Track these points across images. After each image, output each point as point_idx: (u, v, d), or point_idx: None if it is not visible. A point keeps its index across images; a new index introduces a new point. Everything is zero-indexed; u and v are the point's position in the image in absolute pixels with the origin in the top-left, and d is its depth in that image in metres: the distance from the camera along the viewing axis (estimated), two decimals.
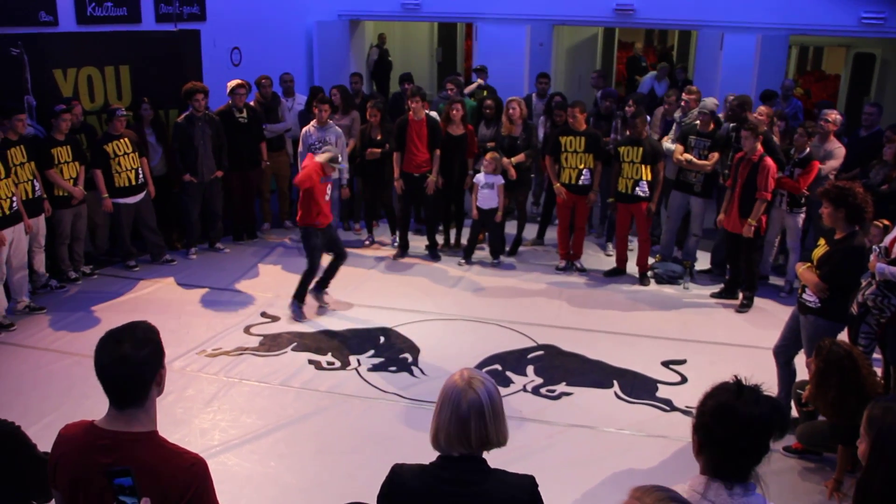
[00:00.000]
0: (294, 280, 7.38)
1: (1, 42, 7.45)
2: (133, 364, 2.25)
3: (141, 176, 8.17)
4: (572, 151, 8.15)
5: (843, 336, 5.24)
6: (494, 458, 2.40)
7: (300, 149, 8.64)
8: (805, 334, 5.25)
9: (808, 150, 7.41)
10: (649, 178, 7.91)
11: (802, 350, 5.36)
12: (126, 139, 8.02)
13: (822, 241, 5.25)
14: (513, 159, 8.55)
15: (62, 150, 7.58)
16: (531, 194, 9.94)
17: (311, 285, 7.35)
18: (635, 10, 11.81)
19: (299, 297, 7.29)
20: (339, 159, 6.98)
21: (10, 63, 7.51)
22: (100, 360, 2.27)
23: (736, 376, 2.27)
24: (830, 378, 4.48)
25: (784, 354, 5.52)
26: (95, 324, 7.06)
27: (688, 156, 8.03)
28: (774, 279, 8.24)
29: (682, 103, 8.77)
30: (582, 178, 8.19)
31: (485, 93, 10.40)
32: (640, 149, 7.86)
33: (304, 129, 8.67)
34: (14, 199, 6.89)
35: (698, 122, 8.13)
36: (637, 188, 7.92)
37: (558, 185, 8.29)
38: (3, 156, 6.83)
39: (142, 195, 8.25)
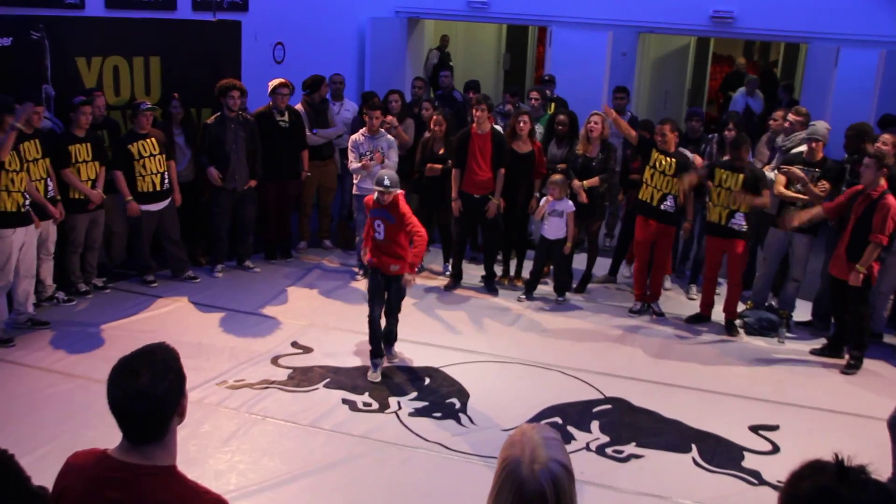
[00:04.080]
0: (331, 306, 7.37)
1: (21, 24, 7.62)
2: (152, 399, 2.25)
3: (166, 181, 8.30)
4: (660, 171, 8.00)
5: None
6: None
7: (350, 159, 8.68)
8: None
9: None
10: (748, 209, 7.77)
11: None
12: (153, 139, 8.14)
13: None
14: (585, 183, 8.46)
15: (81, 147, 7.72)
16: (604, 224, 9.86)
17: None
18: (735, 18, 11.69)
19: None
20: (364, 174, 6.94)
21: (30, 48, 7.67)
22: (113, 393, 2.27)
23: (837, 454, 2.19)
24: None
25: None
26: (104, 344, 7.17)
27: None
28: (889, 337, 8.04)
29: (787, 124, 8.60)
30: (665, 203, 8.08)
31: (553, 106, 10.33)
32: (741, 176, 7.69)
33: (353, 138, 8.73)
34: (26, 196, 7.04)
35: (804, 148, 7.97)
36: (732, 220, 7.78)
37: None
38: (14, 148, 6.90)
39: (166, 202, 8.36)
